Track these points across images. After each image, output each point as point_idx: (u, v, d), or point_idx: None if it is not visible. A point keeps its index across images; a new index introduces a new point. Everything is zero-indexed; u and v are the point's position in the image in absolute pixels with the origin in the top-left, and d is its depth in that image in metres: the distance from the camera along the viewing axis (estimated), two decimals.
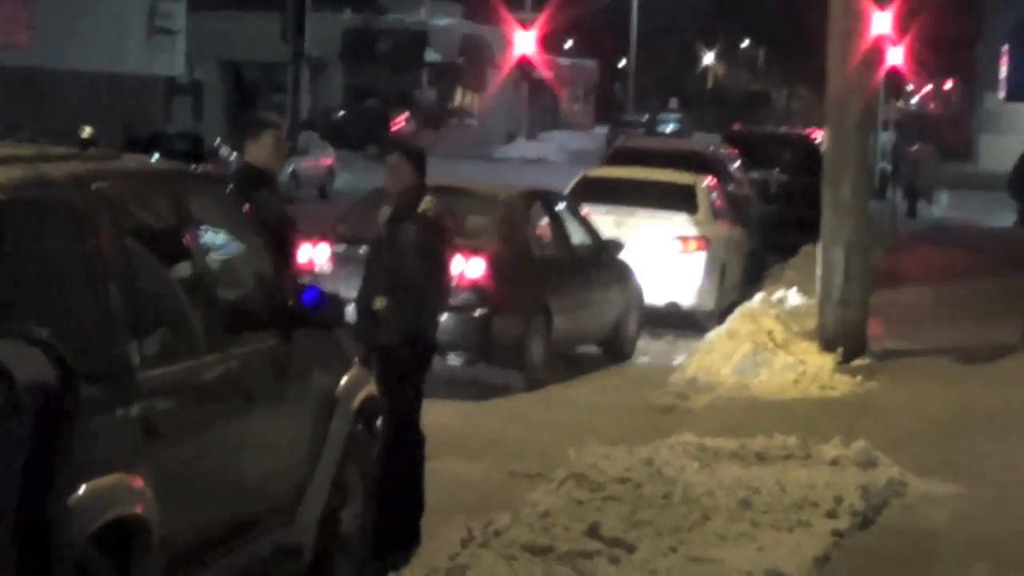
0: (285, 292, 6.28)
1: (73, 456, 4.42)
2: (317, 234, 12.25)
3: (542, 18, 46.81)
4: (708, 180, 17.68)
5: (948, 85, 70.67)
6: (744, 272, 17.98)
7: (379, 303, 7.48)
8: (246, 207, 7.09)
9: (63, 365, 4.35)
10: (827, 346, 12.80)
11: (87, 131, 5.63)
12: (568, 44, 72.29)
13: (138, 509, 4.94)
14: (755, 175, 23.13)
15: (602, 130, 64.41)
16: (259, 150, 7.79)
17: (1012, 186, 11.85)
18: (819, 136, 22.89)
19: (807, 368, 12.35)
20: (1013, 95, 45.23)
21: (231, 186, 7.62)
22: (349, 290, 7.85)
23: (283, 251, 7.42)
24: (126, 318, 5.12)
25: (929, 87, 66.46)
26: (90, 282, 5.04)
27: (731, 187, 19.84)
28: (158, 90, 38.73)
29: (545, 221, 13.74)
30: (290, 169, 29.70)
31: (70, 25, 32.96)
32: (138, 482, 4.96)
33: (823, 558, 7.09)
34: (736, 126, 29.87)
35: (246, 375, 5.86)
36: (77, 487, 4.63)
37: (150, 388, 5.17)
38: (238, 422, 5.78)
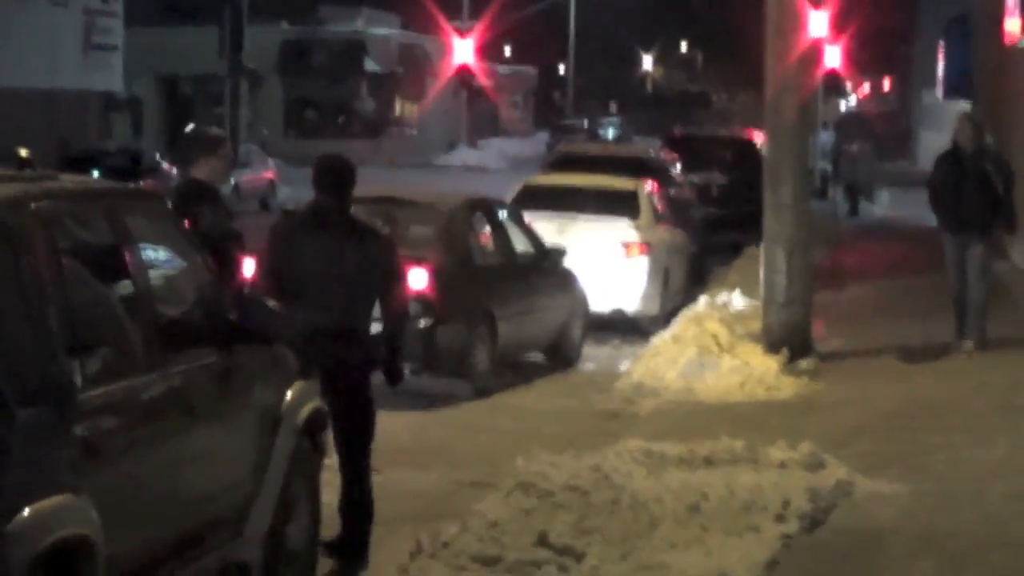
0: (226, 308, 6.24)
1: (13, 480, 4.38)
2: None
3: (479, 26, 46.87)
4: (649, 184, 17.72)
5: (885, 83, 71.24)
6: (687, 275, 18.03)
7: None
8: (187, 222, 7.04)
9: None
10: (772, 347, 12.84)
11: (23, 152, 5.58)
12: (506, 51, 72.41)
13: (84, 530, 4.92)
14: (695, 178, 23.21)
15: (542, 136, 64.52)
16: (210, 165, 7.82)
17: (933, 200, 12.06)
18: (758, 137, 22.99)
19: (753, 370, 12.38)
20: (951, 91, 45.54)
21: (173, 201, 7.58)
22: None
23: (228, 266, 7.41)
24: (65, 338, 5.07)
25: (866, 85, 66.99)
26: (27, 303, 5.00)
27: (672, 190, 19.90)
28: (95, 106, 38.36)
29: (487, 229, 13.72)
30: (232, 183, 29.57)
31: (3, 42, 32.60)
32: (82, 502, 4.93)
33: (772, 561, 7.09)
34: (676, 130, 29.97)
35: (188, 392, 5.83)
36: (19, 510, 4.60)
37: (91, 408, 5.13)
38: (182, 439, 5.75)
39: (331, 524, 7.29)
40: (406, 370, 11.54)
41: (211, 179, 7.85)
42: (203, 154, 7.89)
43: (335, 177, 7.49)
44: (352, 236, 7.40)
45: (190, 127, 8.88)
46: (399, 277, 7.52)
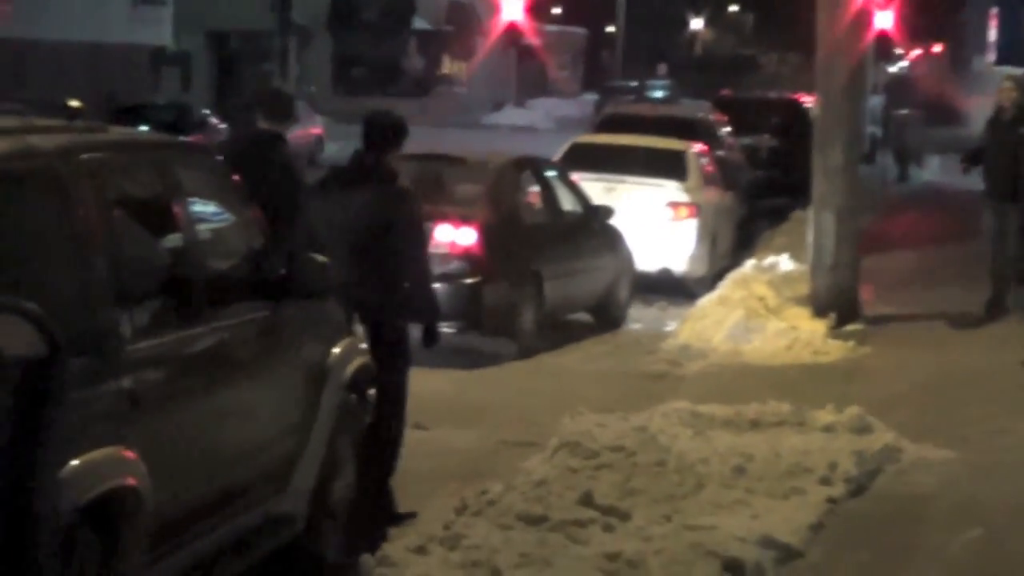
0: (275, 262, 6.23)
1: (62, 429, 4.39)
2: None
3: None
4: (698, 146, 17.62)
5: (937, 49, 70.43)
6: (735, 238, 17.95)
7: None
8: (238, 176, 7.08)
9: (50, 337, 4.31)
10: (819, 311, 12.77)
11: (74, 103, 5.59)
12: (556, 11, 72.06)
13: (130, 480, 4.93)
14: (745, 140, 23.06)
15: (591, 97, 64.21)
16: (281, 120, 8.16)
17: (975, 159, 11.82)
18: (808, 101, 22.81)
19: (799, 334, 12.32)
20: (1003, 58, 45.02)
21: (244, 148, 7.85)
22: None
23: (299, 214, 7.52)
24: (113, 290, 5.08)
25: (918, 51, 66.20)
26: (77, 254, 5.00)
27: (721, 153, 19.78)
28: (143, 60, 38.34)
29: (535, 188, 13.67)
30: None
31: None
32: (129, 454, 4.94)
33: (817, 524, 7.09)
34: (725, 91, 29.76)
35: (235, 346, 5.83)
36: (67, 460, 4.60)
37: (139, 360, 5.13)
38: (228, 393, 5.76)
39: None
40: (450, 329, 11.62)
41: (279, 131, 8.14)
42: (281, 109, 8.32)
43: (377, 132, 7.49)
44: (378, 191, 7.39)
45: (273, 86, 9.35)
46: (413, 237, 7.45)
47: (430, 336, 7.54)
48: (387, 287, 7.29)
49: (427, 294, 7.53)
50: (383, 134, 7.54)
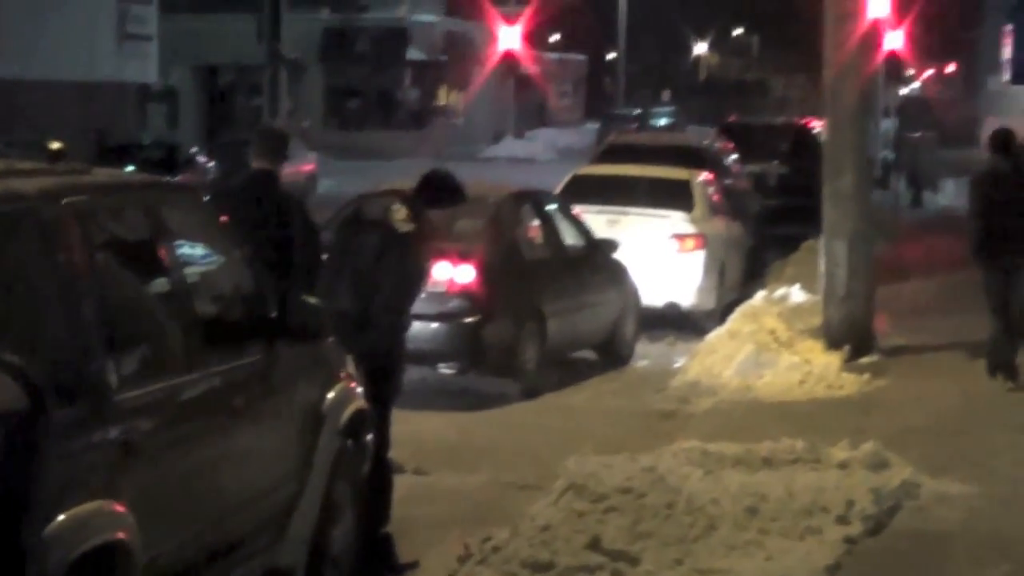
0: (267, 304, 6.11)
1: (48, 484, 4.34)
2: None
3: (527, 12, 46.65)
4: (704, 175, 17.48)
5: (950, 69, 70.44)
6: (744, 269, 17.80)
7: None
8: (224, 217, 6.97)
9: (32, 390, 4.16)
10: (832, 344, 12.65)
11: (55, 144, 5.45)
12: (554, 38, 72.21)
13: (120, 535, 4.82)
14: (752, 168, 22.95)
15: (592, 126, 64.32)
16: (275, 158, 8.19)
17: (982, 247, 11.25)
18: (818, 125, 22.69)
19: (812, 367, 12.22)
20: (1018, 77, 44.87)
21: (242, 188, 7.96)
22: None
23: (314, 254, 7.70)
24: (102, 336, 4.97)
25: (930, 71, 66.27)
26: (63, 300, 4.90)
27: (728, 181, 19.66)
28: (130, 98, 38.26)
29: (536, 222, 13.53)
30: None
31: (36, 33, 32.50)
32: (119, 507, 4.84)
33: (835, 565, 7.00)
34: (731, 118, 29.69)
35: (229, 391, 5.71)
36: (55, 515, 4.51)
37: (129, 409, 5.03)
38: (222, 440, 5.65)
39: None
40: (449, 370, 11.45)
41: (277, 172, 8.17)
42: (276, 149, 8.36)
43: (433, 192, 7.45)
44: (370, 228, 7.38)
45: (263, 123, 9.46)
46: (397, 282, 7.27)
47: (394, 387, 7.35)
48: (373, 329, 7.14)
49: (395, 343, 7.32)
50: (438, 195, 7.45)
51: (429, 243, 7.46)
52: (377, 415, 7.12)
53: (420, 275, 7.40)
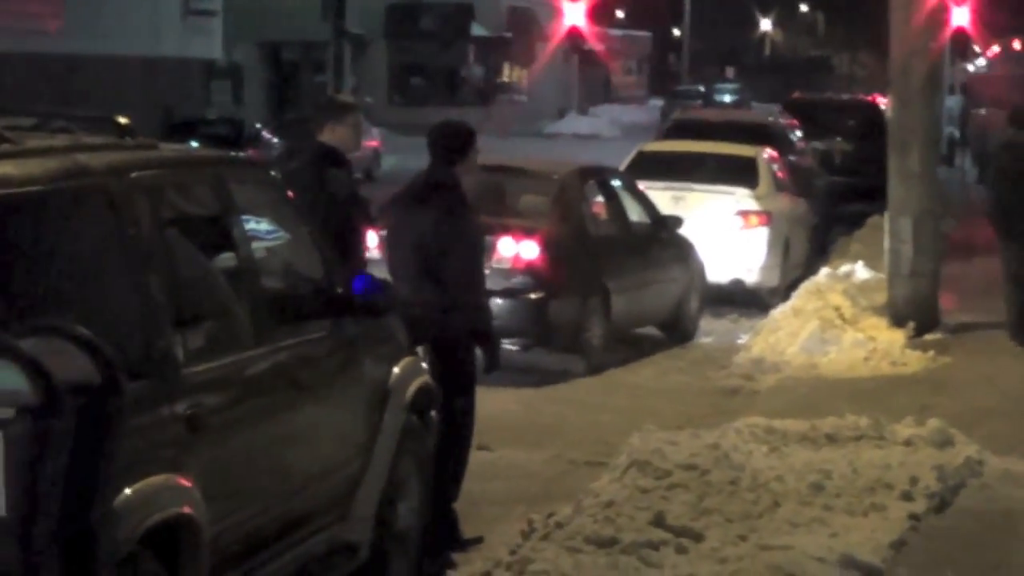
0: (334, 279, 6.13)
1: (118, 457, 4.32)
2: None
3: None
4: (769, 152, 17.39)
5: (1017, 45, 69.45)
6: (809, 246, 17.71)
7: None
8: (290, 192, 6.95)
9: (106, 363, 4.20)
10: (897, 321, 12.56)
11: (122, 119, 5.46)
12: (619, 14, 71.86)
13: (186, 509, 4.84)
14: (818, 145, 22.80)
15: (657, 103, 64.05)
16: (336, 132, 7.83)
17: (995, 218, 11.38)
18: (884, 102, 22.49)
19: (877, 344, 12.12)
20: None
21: (302, 163, 7.68)
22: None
23: (353, 234, 7.41)
24: (169, 312, 4.98)
25: (996, 48, 65.41)
26: (131, 275, 4.92)
27: (793, 158, 19.53)
28: (196, 74, 38.31)
29: (601, 199, 13.51)
30: None
31: (102, 9, 32.60)
32: (186, 481, 4.86)
33: (899, 542, 6.93)
34: (797, 94, 29.46)
35: (295, 367, 5.71)
36: (123, 489, 4.53)
37: (196, 384, 5.04)
38: (287, 416, 5.64)
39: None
40: (514, 347, 11.44)
41: (339, 145, 7.84)
42: (330, 120, 7.89)
43: (442, 145, 7.31)
44: (439, 207, 7.16)
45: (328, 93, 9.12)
46: (466, 256, 7.16)
47: (489, 360, 7.29)
48: (448, 307, 7.09)
49: (482, 317, 7.27)
50: (448, 146, 7.32)
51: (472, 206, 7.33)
52: (465, 395, 7.10)
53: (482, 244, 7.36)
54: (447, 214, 7.14)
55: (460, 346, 7.14)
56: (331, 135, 7.81)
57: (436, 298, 7.07)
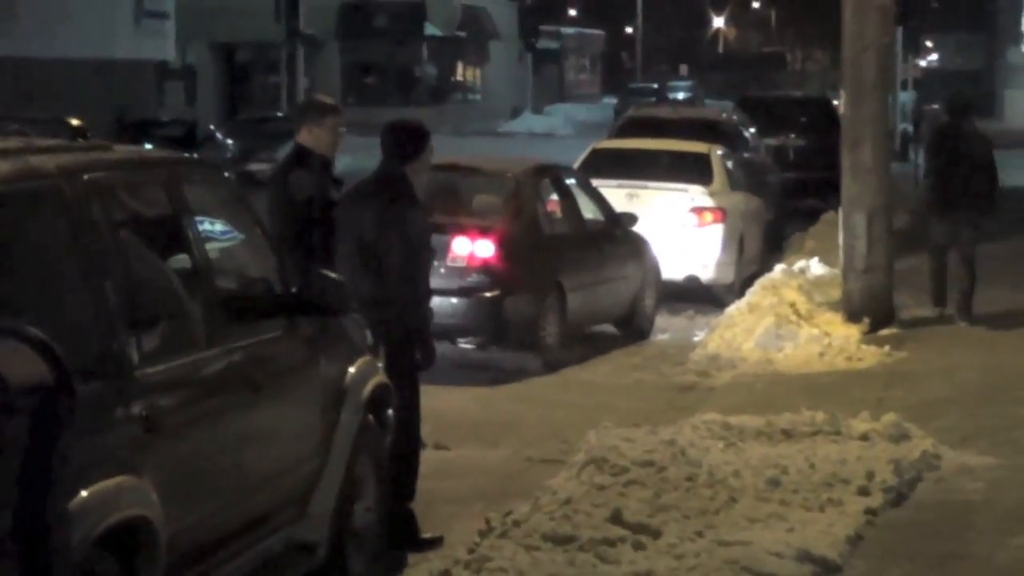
0: (288, 279, 6.11)
1: (72, 459, 4.27)
2: None
3: None
4: (722, 148, 17.40)
5: (968, 40, 69.98)
6: (763, 242, 17.73)
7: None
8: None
9: (58, 364, 4.17)
10: (852, 316, 12.60)
11: (74, 121, 5.44)
12: (572, 13, 71.94)
13: (142, 510, 4.83)
14: (771, 141, 22.84)
15: (611, 100, 64.07)
16: (313, 133, 7.78)
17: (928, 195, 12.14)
18: (836, 99, 22.61)
19: (832, 340, 12.16)
20: None
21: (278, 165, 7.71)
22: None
23: (330, 235, 7.39)
24: (123, 313, 4.97)
25: (949, 43, 65.95)
26: (84, 276, 4.91)
27: (747, 154, 19.56)
28: (148, 75, 38.17)
29: (555, 197, 13.50)
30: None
31: (54, 11, 32.42)
32: (142, 482, 4.84)
33: (856, 537, 6.97)
34: (750, 91, 29.56)
35: (250, 367, 5.69)
36: (78, 491, 4.52)
37: (151, 385, 5.03)
38: (244, 416, 5.63)
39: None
40: (469, 345, 11.40)
41: (315, 147, 7.77)
42: (308, 121, 7.84)
43: (393, 142, 7.30)
44: (384, 198, 7.17)
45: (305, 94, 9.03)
46: (407, 254, 7.12)
47: (423, 358, 7.24)
48: (384, 301, 7.07)
49: (417, 313, 7.22)
50: (401, 144, 7.31)
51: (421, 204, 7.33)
52: (406, 390, 7.10)
53: (425, 240, 7.33)
54: (390, 203, 7.13)
55: (397, 341, 7.11)
56: (308, 136, 7.78)
57: (373, 292, 7.04)
